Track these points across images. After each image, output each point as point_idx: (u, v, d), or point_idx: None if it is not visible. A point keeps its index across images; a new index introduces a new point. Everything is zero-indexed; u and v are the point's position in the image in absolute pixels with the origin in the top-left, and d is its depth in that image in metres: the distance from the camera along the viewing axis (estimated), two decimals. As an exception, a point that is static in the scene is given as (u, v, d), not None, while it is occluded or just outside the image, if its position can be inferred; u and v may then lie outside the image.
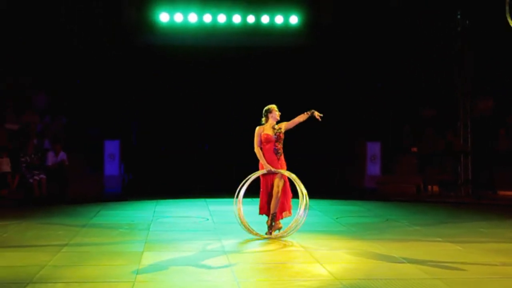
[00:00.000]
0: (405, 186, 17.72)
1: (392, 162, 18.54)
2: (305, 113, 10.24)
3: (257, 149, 10.27)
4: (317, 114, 10.17)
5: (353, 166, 18.82)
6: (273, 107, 10.38)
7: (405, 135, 18.86)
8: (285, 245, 9.72)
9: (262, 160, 10.18)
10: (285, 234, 10.20)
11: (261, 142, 10.27)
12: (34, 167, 15.90)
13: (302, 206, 10.13)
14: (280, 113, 10.37)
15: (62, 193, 16.00)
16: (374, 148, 18.27)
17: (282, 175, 10.14)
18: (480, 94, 18.11)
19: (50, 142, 17.01)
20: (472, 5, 17.17)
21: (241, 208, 10.13)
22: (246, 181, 10.13)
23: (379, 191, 17.67)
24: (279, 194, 10.11)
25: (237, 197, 10.10)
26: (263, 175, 10.21)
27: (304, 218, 10.13)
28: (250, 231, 10.19)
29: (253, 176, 10.16)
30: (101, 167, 17.71)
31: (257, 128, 10.35)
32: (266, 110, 10.38)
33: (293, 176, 10.12)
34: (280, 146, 10.26)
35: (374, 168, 18.23)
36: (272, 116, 10.34)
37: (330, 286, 7.28)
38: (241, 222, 10.17)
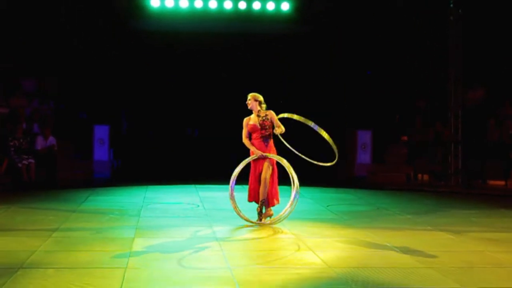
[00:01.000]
0: (395, 175, 17.75)
1: (383, 151, 18.52)
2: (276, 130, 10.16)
3: (245, 140, 10.29)
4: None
5: (343, 154, 18.75)
6: (249, 96, 10.37)
7: (396, 124, 18.86)
8: (277, 232, 9.69)
9: (251, 148, 10.19)
10: (276, 221, 10.16)
11: (249, 133, 10.28)
12: (23, 151, 15.79)
13: (293, 192, 10.09)
14: (256, 102, 10.30)
15: (51, 177, 15.89)
16: (364, 137, 18.22)
17: (271, 162, 10.11)
18: (471, 83, 18.10)
19: (39, 126, 16.89)
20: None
21: (233, 193, 10.09)
22: (239, 167, 10.11)
23: (369, 180, 17.66)
24: (268, 181, 10.10)
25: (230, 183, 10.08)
26: (254, 161, 10.20)
27: (295, 203, 10.09)
28: (244, 218, 10.13)
29: (245, 162, 10.13)
30: (90, 152, 17.59)
31: (245, 119, 10.37)
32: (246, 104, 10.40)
33: (284, 162, 10.09)
34: (267, 132, 10.23)
35: (364, 157, 18.20)
36: (251, 107, 10.34)
37: (323, 274, 7.26)
38: (234, 208, 10.13)
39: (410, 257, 8.08)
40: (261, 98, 10.36)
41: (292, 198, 10.10)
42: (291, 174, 10.09)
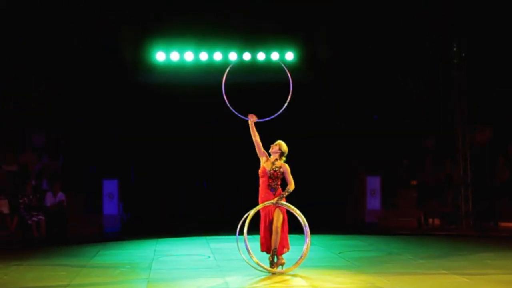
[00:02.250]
0: (406, 219, 17.67)
1: (392, 196, 18.47)
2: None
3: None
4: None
5: (353, 201, 18.75)
6: (276, 142, 10.48)
7: (405, 168, 18.84)
8: (290, 281, 9.61)
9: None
10: (289, 270, 10.08)
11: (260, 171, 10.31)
12: (33, 208, 15.80)
13: (307, 239, 10.06)
14: (279, 152, 10.36)
15: (61, 233, 15.87)
16: (374, 183, 18.22)
17: (281, 210, 10.10)
18: (479, 123, 18.08)
19: (48, 182, 16.93)
20: (469, 37, 17.26)
21: (247, 239, 9.99)
22: (248, 216, 10.08)
23: (379, 225, 17.58)
24: (279, 230, 10.06)
25: (241, 232, 9.99)
26: (263, 210, 10.17)
27: (307, 251, 10.06)
28: (260, 265, 10.02)
29: (255, 209, 10.10)
30: (100, 206, 17.61)
31: (265, 154, 10.41)
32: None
33: (296, 211, 10.08)
34: (274, 183, 10.25)
35: (374, 203, 18.16)
36: (272, 152, 10.39)
37: (339, 322, 7.19)
38: (250, 255, 10.03)
39: (425, 302, 8.00)
40: (285, 149, 10.43)
41: (305, 247, 10.05)
42: (303, 222, 10.06)
